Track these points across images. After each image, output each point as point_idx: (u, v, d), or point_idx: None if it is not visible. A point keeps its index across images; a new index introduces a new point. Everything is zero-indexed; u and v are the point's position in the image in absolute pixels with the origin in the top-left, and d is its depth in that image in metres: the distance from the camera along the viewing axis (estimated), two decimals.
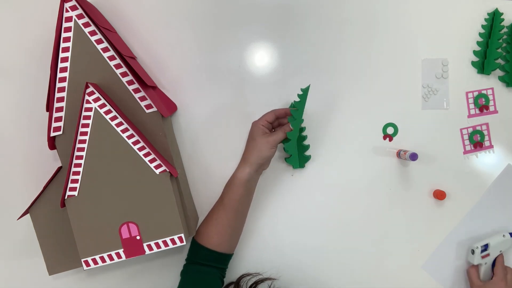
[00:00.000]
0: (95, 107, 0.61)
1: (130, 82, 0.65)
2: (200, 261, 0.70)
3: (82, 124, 0.61)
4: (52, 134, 0.65)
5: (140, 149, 0.63)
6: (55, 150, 0.67)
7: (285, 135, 0.70)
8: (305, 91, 0.68)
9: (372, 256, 0.83)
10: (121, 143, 0.62)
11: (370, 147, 0.82)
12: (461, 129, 0.83)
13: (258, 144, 0.69)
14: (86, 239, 0.64)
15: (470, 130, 0.83)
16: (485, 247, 0.79)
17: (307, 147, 0.79)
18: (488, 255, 0.80)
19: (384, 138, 0.82)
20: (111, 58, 0.63)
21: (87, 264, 0.64)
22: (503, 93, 0.83)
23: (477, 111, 0.83)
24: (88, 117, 0.61)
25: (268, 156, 0.69)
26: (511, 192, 0.84)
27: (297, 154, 0.77)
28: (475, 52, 0.81)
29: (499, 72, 0.82)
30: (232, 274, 0.78)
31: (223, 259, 0.72)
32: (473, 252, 0.80)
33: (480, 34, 0.81)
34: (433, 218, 0.84)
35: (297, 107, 0.69)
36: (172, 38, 0.76)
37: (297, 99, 0.72)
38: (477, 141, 0.83)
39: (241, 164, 0.72)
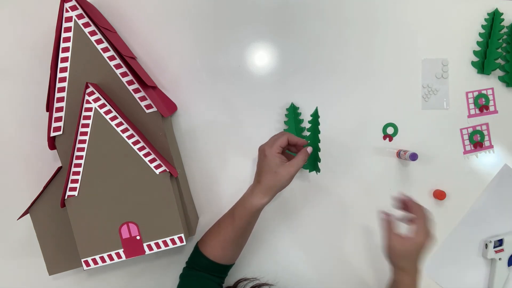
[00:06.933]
0: (95, 107, 0.61)
1: (130, 82, 0.65)
2: (200, 269, 0.69)
3: (82, 124, 0.61)
4: (52, 134, 0.65)
5: (140, 149, 0.63)
6: (55, 150, 0.67)
7: (305, 161, 0.66)
8: (314, 115, 0.67)
9: (372, 257, 0.83)
10: (121, 143, 0.62)
11: (370, 147, 0.82)
12: (461, 129, 0.83)
13: (281, 178, 0.64)
14: (86, 239, 0.64)
15: (470, 130, 0.83)
16: (500, 242, 0.80)
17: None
18: (502, 250, 0.80)
19: (384, 138, 0.82)
20: (111, 58, 0.63)
21: (87, 264, 0.64)
22: (503, 93, 0.83)
23: (477, 111, 0.83)
24: (88, 117, 0.61)
25: (288, 184, 0.66)
26: (508, 192, 0.84)
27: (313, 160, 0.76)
28: (475, 52, 0.81)
29: (499, 72, 0.82)
30: (229, 278, 0.77)
31: (224, 270, 0.71)
32: (486, 246, 0.80)
33: (480, 34, 0.81)
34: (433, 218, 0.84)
35: (310, 132, 0.68)
36: (172, 38, 0.76)
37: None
38: (477, 141, 0.83)
39: (259, 191, 0.65)
